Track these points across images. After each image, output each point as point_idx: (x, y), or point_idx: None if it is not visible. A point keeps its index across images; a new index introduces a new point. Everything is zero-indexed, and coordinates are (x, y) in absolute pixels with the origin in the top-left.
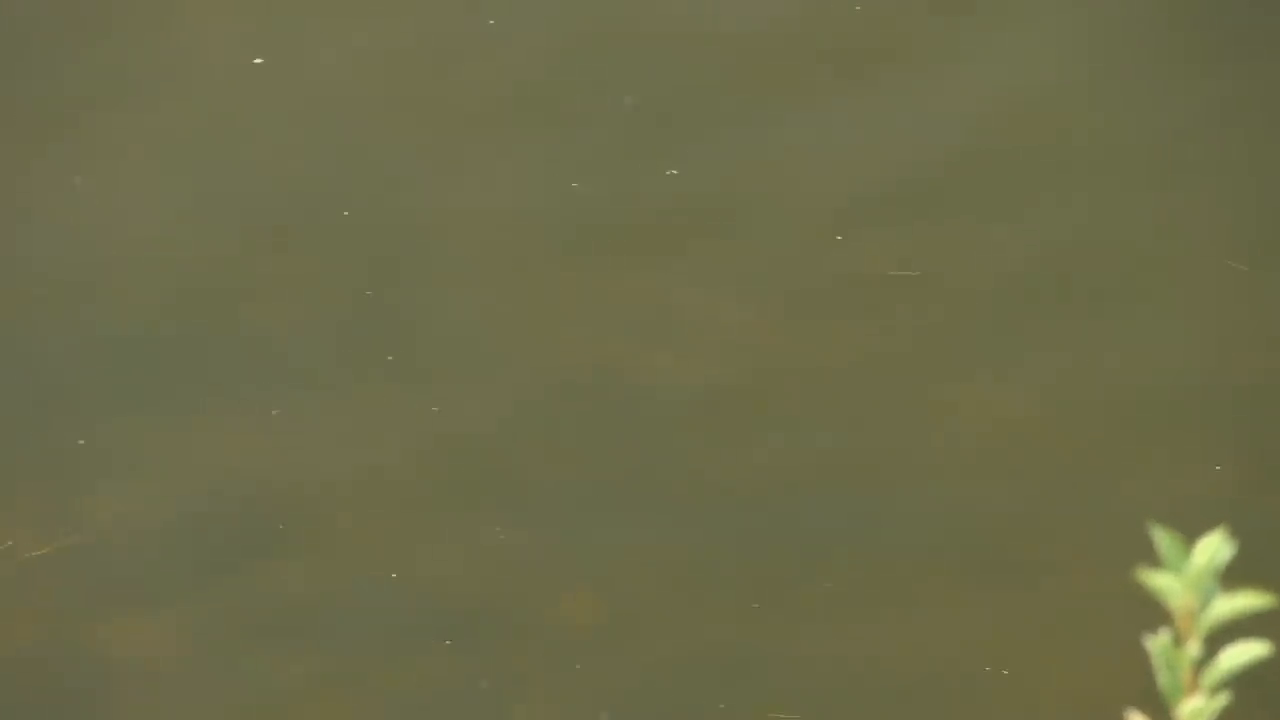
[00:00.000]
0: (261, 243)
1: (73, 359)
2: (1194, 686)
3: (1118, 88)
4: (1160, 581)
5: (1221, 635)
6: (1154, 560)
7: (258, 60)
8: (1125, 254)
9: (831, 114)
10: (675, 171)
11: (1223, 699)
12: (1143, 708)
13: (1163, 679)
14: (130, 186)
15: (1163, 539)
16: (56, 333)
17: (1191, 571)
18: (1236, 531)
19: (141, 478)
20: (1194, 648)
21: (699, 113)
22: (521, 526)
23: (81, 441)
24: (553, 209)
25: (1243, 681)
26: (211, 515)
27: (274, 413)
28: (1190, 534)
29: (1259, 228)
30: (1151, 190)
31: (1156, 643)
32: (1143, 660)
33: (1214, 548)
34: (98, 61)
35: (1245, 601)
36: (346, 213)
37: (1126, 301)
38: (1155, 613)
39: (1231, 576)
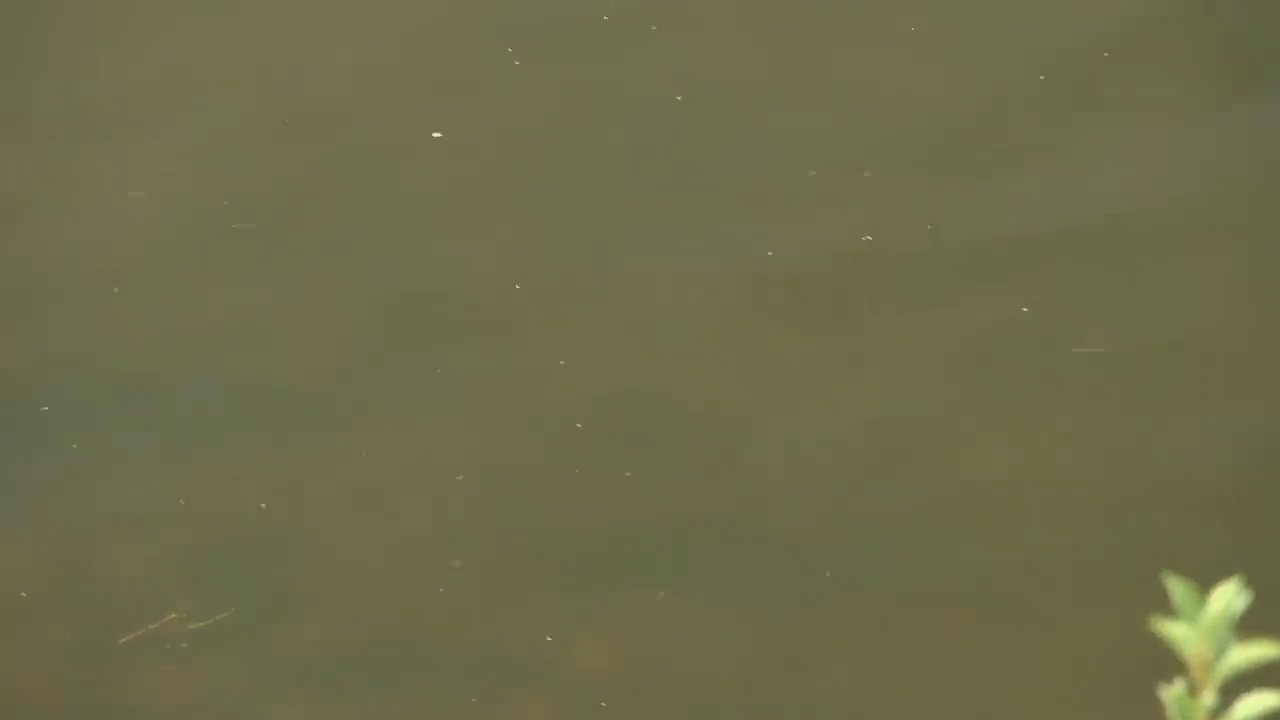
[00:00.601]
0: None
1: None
2: None
3: None
4: (1175, 631)
5: (1237, 685)
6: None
7: (436, 134)
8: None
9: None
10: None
11: None
12: None
13: None
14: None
15: (1177, 588)
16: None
17: (1206, 621)
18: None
19: (301, 555)
20: (1209, 698)
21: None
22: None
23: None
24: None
25: None
26: (371, 585)
27: (278, 451)
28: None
29: None
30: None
31: (1172, 693)
32: (1158, 709)
33: (1228, 597)
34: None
35: (1260, 651)
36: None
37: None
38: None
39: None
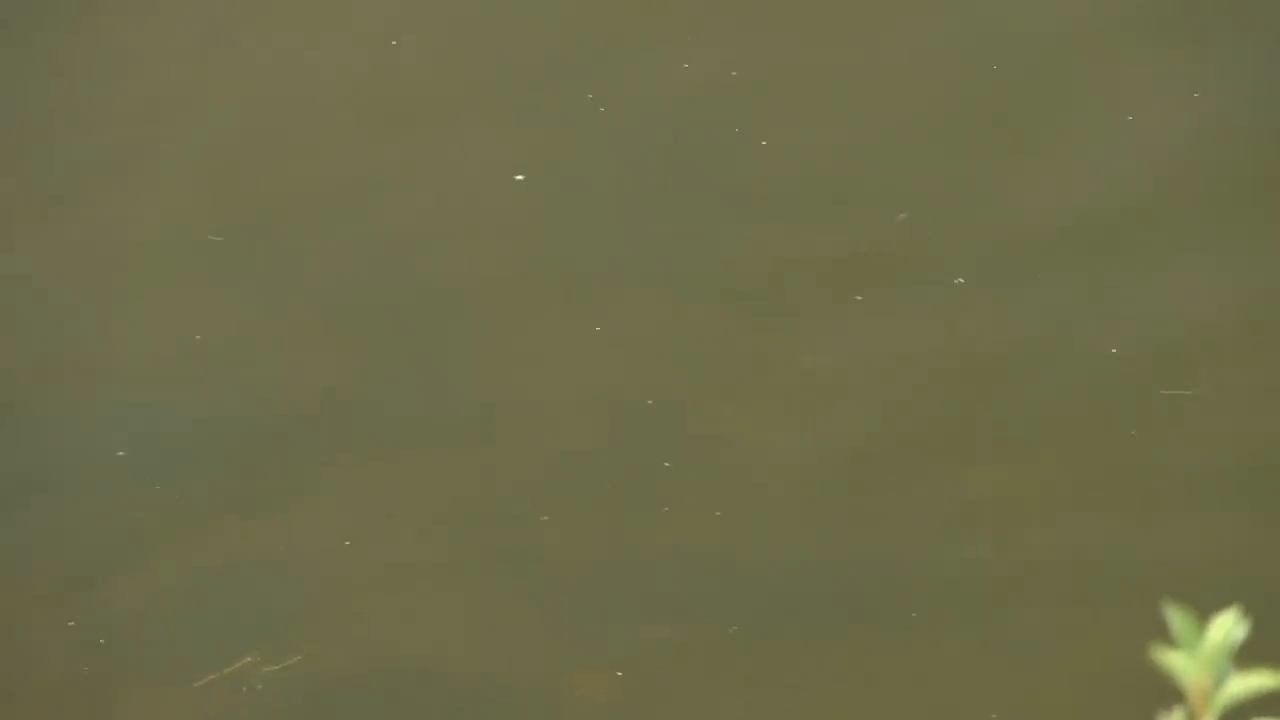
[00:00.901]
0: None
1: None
2: None
3: None
4: (1174, 660)
5: (1235, 714)
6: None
7: (519, 178)
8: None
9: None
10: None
11: None
12: None
13: None
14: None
15: (1176, 617)
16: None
17: (1205, 650)
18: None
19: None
20: None
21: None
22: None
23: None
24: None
25: None
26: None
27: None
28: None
29: None
30: None
31: None
32: None
33: (1228, 626)
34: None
35: (1260, 680)
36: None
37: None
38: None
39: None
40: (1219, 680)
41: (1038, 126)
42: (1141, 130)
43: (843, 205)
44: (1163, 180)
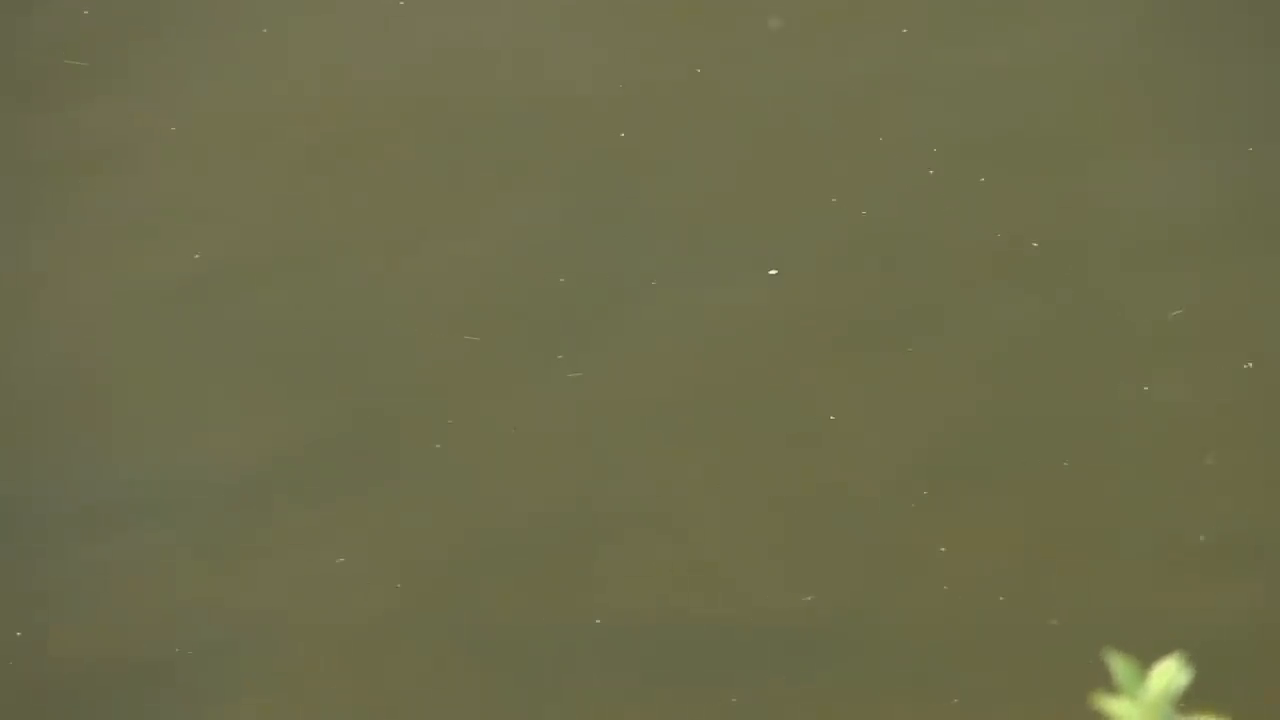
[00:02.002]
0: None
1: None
2: None
3: None
4: (1117, 708)
5: None
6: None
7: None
8: None
9: None
10: None
11: None
12: None
13: None
14: None
15: (1118, 665)
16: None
17: (1148, 697)
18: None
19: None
20: None
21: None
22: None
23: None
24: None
25: None
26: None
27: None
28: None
29: None
30: None
31: None
32: None
33: (1170, 673)
34: None
35: None
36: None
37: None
38: None
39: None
40: None
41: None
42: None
43: None
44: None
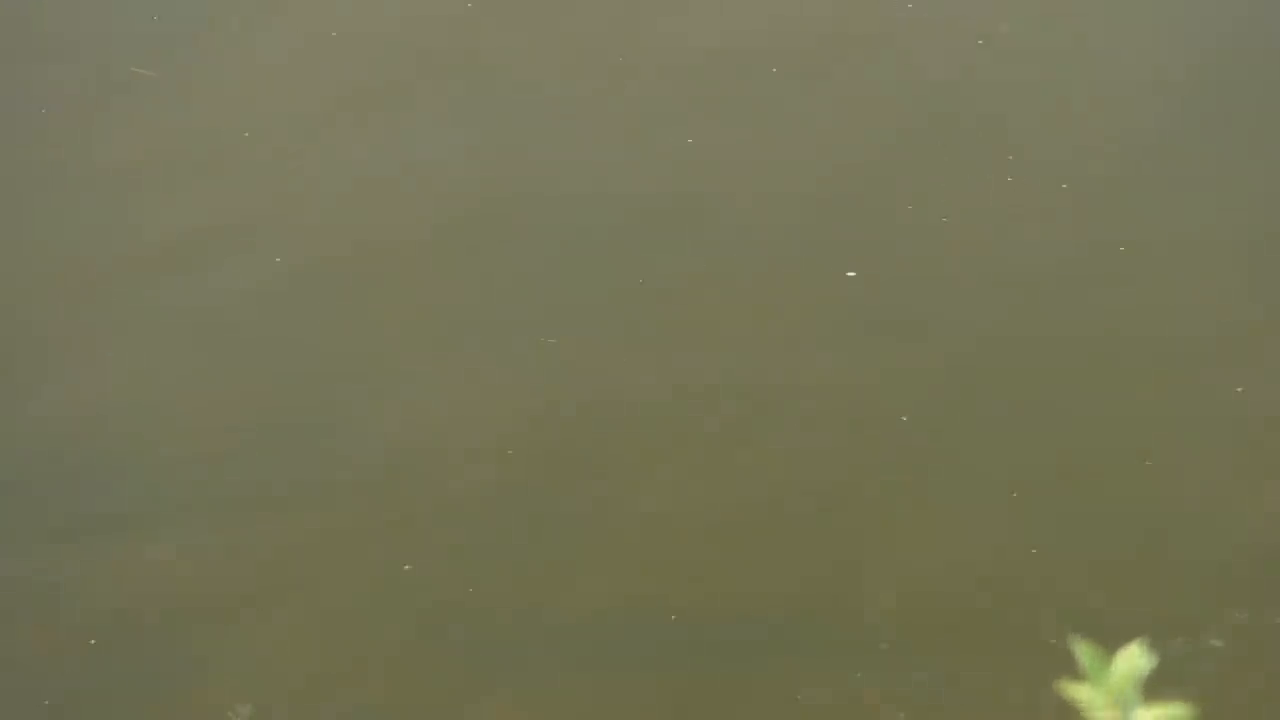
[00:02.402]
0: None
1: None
2: None
3: None
4: (1081, 693)
5: None
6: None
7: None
8: None
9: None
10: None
11: None
12: None
13: None
14: None
15: (1083, 652)
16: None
17: (1113, 683)
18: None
19: None
20: None
21: None
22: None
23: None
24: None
25: None
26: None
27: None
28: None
29: None
30: None
31: None
32: None
33: (1134, 659)
34: None
35: (1166, 713)
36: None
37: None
38: None
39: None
40: (1127, 713)
41: None
42: None
43: None
44: None
